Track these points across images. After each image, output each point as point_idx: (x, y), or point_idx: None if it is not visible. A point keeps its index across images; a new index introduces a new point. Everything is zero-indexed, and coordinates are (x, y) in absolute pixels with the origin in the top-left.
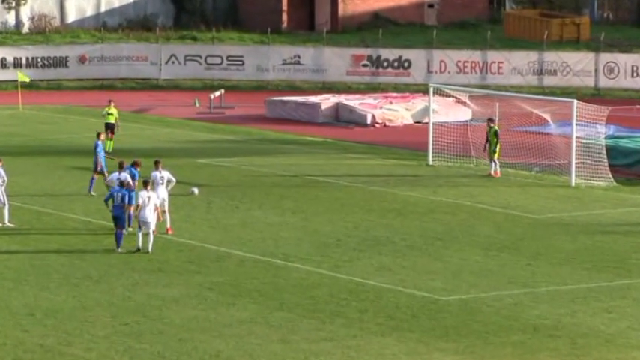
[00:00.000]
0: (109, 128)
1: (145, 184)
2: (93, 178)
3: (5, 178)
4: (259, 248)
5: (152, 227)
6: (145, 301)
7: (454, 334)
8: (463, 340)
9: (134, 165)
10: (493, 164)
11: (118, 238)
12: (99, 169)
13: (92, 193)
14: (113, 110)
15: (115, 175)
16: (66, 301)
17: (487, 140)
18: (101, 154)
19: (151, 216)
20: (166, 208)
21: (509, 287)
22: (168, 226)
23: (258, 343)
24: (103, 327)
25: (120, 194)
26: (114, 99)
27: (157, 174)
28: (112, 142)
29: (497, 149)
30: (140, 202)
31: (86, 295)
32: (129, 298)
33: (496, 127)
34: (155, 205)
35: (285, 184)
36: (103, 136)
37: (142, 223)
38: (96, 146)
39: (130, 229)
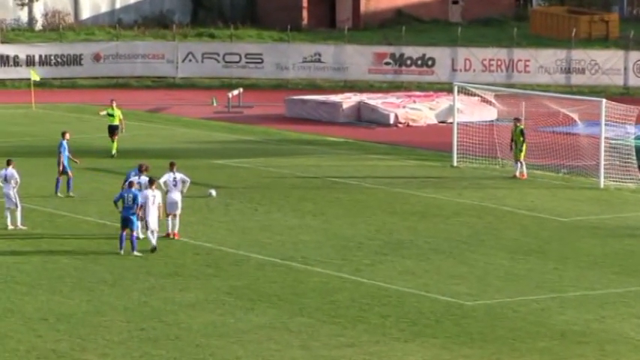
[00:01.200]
0: (112, 130)
1: (151, 182)
2: (58, 179)
3: (18, 180)
4: (278, 252)
5: (156, 226)
6: (161, 306)
7: (479, 340)
8: (489, 347)
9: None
10: (519, 165)
11: (131, 240)
12: (61, 169)
13: (59, 194)
14: (116, 111)
15: (135, 178)
16: (80, 305)
17: (512, 139)
18: (64, 154)
19: (155, 214)
20: (178, 212)
21: (536, 292)
22: (176, 230)
23: (278, 350)
24: (118, 332)
25: (131, 195)
26: (117, 98)
27: (170, 175)
28: (115, 144)
29: (524, 149)
30: (142, 201)
31: (101, 300)
32: (145, 302)
33: (522, 126)
34: (159, 203)
35: (305, 185)
36: (68, 136)
37: (148, 222)
38: (60, 146)
39: (142, 236)
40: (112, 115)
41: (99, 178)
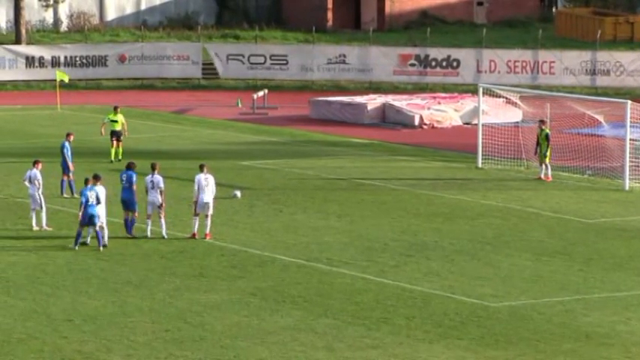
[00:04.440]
0: (115, 135)
1: (96, 178)
2: (63, 180)
3: (40, 180)
4: (303, 253)
5: (102, 221)
6: (186, 307)
7: (504, 342)
8: (513, 349)
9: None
10: (544, 167)
11: (97, 234)
12: (70, 169)
13: (64, 195)
14: (119, 117)
15: (148, 177)
16: (105, 306)
17: (538, 143)
18: (67, 155)
19: (101, 210)
20: (209, 212)
21: (561, 294)
22: (207, 230)
23: (303, 351)
24: (143, 333)
25: (93, 192)
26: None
27: (201, 176)
28: (120, 150)
29: (548, 153)
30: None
31: (126, 301)
32: (170, 303)
33: (547, 130)
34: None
35: (330, 187)
36: (72, 137)
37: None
38: (62, 147)
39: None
40: (114, 121)
41: None
